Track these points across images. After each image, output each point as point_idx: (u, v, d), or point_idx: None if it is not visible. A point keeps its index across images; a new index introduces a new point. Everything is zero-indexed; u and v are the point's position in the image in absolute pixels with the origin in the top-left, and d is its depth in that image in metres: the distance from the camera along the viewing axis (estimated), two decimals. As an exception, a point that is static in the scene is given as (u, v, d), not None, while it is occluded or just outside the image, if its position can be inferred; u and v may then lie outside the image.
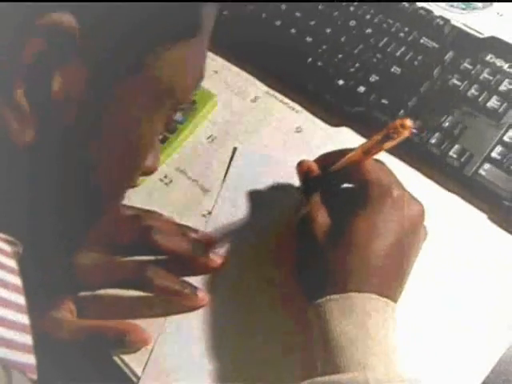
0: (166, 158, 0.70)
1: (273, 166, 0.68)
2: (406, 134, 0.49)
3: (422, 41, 0.74)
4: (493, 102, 0.67)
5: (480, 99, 0.68)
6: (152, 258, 0.60)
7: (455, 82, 0.70)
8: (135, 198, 0.67)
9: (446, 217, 0.62)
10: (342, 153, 0.58)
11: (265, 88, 0.77)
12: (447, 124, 0.67)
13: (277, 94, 0.76)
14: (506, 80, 0.68)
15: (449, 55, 0.72)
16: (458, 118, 0.67)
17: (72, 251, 0.57)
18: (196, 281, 0.60)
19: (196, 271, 0.60)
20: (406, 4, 0.77)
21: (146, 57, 0.39)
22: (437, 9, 0.79)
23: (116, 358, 0.58)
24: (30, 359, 0.37)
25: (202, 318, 0.58)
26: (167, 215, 0.64)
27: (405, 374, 0.48)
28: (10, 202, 0.40)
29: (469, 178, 0.64)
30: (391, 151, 0.64)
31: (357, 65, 0.73)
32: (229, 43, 0.79)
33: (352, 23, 0.77)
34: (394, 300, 0.51)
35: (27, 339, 0.38)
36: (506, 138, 0.65)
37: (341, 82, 0.72)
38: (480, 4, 0.81)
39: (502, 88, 0.68)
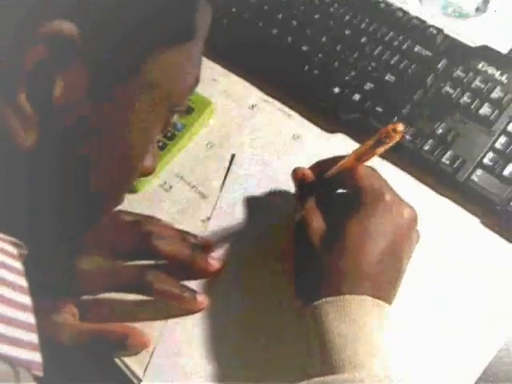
0: (166, 164, 0.71)
1: (270, 172, 0.69)
2: (397, 138, 0.50)
3: (415, 49, 0.75)
4: (485, 110, 0.68)
5: (472, 106, 0.69)
6: (152, 262, 0.61)
7: (448, 89, 0.71)
8: (135, 204, 0.68)
9: (439, 221, 0.62)
10: (336, 160, 0.59)
11: (262, 95, 0.77)
12: (440, 131, 0.68)
13: (274, 102, 0.77)
14: (498, 87, 0.70)
15: (442, 63, 0.73)
16: (451, 124, 0.68)
17: (73, 253, 0.58)
18: (195, 285, 0.60)
19: (195, 275, 0.61)
20: (400, 13, 0.79)
21: (144, 61, 0.40)
22: (430, 17, 0.80)
23: (117, 361, 0.58)
24: (36, 357, 0.38)
25: (201, 321, 0.59)
26: (167, 221, 0.64)
27: (399, 374, 0.48)
28: (14, 204, 0.41)
29: (461, 184, 0.65)
30: (386, 157, 0.65)
31: (352, 73, 0.74)
32: (227, 51, 0.81)
33: (347, 32, 0.78)
34: (388, 302, 0.52)
35: (33, 338, 0.39)
36: (497, 145, 0.66)
37: (336, 90, 0.74)
38: (472, 12, 0.82)
39: (494, 95, 0.69)
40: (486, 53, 0.74)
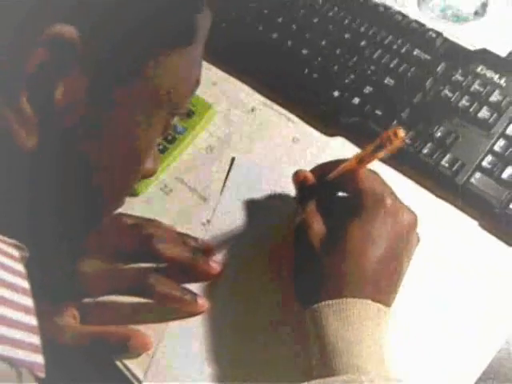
0: (166, 167, 0.72)
1: (270, 175, 0.69)
2: (398, 143, 0.50)
3: (414, 53, 0.75)
4: (483, 113, 0.69)
5: (471, 110, 0.69)
6: (153, 265, 0.61)
7: (447, 93, 0.71)
8: (136, 207, 0.68)
9: (438, 224, 0.63)
10: (337, 163, 0.59)
11: (262, 99, 0.78)
12: (439, 134, 0.68)
13: (274, 105, 0.77)
14: (497, 91, 0.70)
15: (441, 67, 0.74)
16: (450, 128, 0.69)
17: (74, 255, 0.58)
18: (196, 288, 0.61)
19: (196, 278, 0.61)
20: (399, 17, 0.79)
21: (145, 64, 0.40)
22: (429, 21, 0.80)
23: (118, 363, 0.58)
24: (38, 358, 0.39)
25: (202, 323, 0.59)
26: (167, 224, 0.64)
27: (398, 376, 0.49)
28: (15, 206, 0.41)
29: (460, 187, 0.65)
30: (385, 161, 0.65)
31: (351, 76, 0.75)
32: (227, 55, 0.81)
33: (347, 36, 0.79)
34: (388, 305, 0.52)
35: (36, 339, 0.39)
36: (496, 148, 0.66)
37: (336, 94, 0.74)
38: (471, 16, 0.83)
39: (493, 99, 0.69)
40: (485, 56, 0.74)
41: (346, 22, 0.80)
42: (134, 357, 0.58)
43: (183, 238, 0.63)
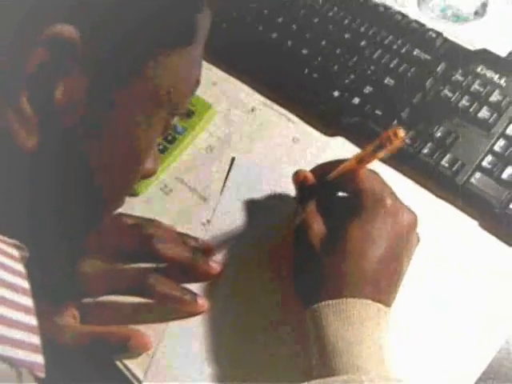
0: (166, 167, 0.72)
1: (270, 175, 0.69)
2: (398, 143, 0.50)
3: (414, 53, 0.75)
4: (483, 113, 0.69)
5: (471, 110, 0.69)
6: (153, 265, 0.61)
7: (447, 93, 0.71)
8: (136, 207, 0.68)
9: (438, 224, 0.63)
10: (337, 163, 0.59)
11: (262, 99, 0.78)
12: (439, 134, 0.68)
13: (274, 105, 0.77)
14: (496, 91, 0.70)
15: (441, 67, 0.74)
16: (450, 128, 0.69)
17: (74, 255, 0.58)
18: (196, 288, 0.61)
19: (196, 278, 0.61)
20: (399, 17, 0.79)
21: (145, 64, 0.40)
22: (429, 21, 0.80)
23: (118, 363, 0.58)
24: (38, 358, 0.39)
25: (202, 323, 0.59)
26: (167, 224, 0.64)
27: (398, 376, 0.49)
28: (15, 205, 0.41)
29: (460, 187, 0.65)
30: (385, 161, 0.65)
31: (351, 76, 0.75)
32: (227, 55, 0.81)
33: (347, 36, 0.79)
34: (388, 305, 0.52)
35: (36, 339, 0.39)
36: (496, 148, 0.66)
37: (336, 94, 0.74)
38: (471, 16, 0.83)
39: (493, 99, 0.70)
40: (485, 56, 0.74)
41: (346, 21, 0.80)
42: (134, 357, 0.58)
43: (183, 237, 0.63)
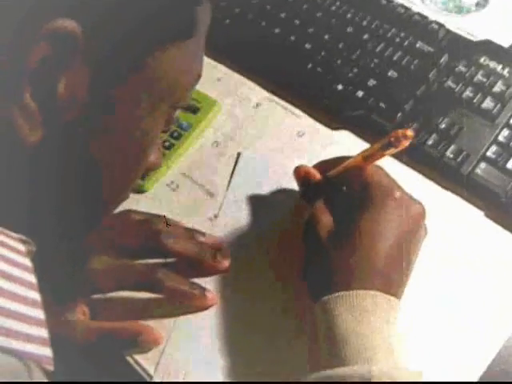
0: (173, 164, 0.72)
1: (276, 169, 0.70)
2: (406, 144, 0.51)
3: (417, 45, 0.76)
4: (487, 103, 0.69)
5: (475, 100, 0.70)
6: (162, 260, 0.61)
7: (450, 84, 0.71)
8: (144, 203, 0.69)
9: (444, 215, 0.63)
10: (340, 159, 0.60)
11: (266, 94, 0.78)
12: (443, 125, 0.68)
13: (278, 100, 0.77)
14: (500, 81, 0.70)
15: (444, 58, 0.74)
16: (454, 119, 0.69)
17: (80, 251, 0.58)
18: (205, 282, 0.61)
19: (204, 273, 0.62)
20: (401, 10, 0.79)
21: (146, 58, 0.41)
22: (431, 13, 0.81)
23: (129, 358, 0.59)
24: (46, 351, 0.39)
25: (211, 317, 0.59)
26: (175, 219, 0.65)
27: (408, 366, 0.49)
28: (19, 200, 0.41)
29: (466, 177, 0.65)
30: (390, 153, 0.65)
31: (355, 70, 0.75)
32: (230, 51, 0.82)
33: (349, 29, 0.79)
34: (397, 297, 0.53)
35: (43, 332, 0.39)
36: (500, 138, 0.67)
37: (340, 87, 0.74)
38: (473, 7, 0.83)
39: (496, 89, 0.70)
40: (488, 47, 0.74)
41: (349, 15, 0.80)
42: (144, 352, 0.59)
43: (191, 233, 0.63)
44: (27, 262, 0.40)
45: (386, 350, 0.49)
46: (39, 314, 0.39)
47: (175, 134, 0.73)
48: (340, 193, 0.60)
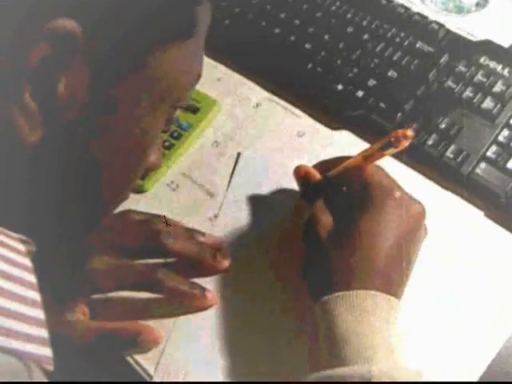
0: (173, 164, 0.72)
1: (276, 169, 0.70)
2: (406, 144, 0.51)
3: (417, 45, 0.76)
4: (487, 103, 0.69)
5: (475, 100, 0.70)
6: (162, 260, 0.61)
7: (450, 84, 0.71)
8: (144, 203, 0.69)
9: (443, 214, 0.63)
10: (340, 159, 0.60)
11: (266, 94, 0.78)
12: (443, 125, 0.68)
13: (278, 100, 0.77)
14: (500, 81, 0.70)
15: (444, 58, 0.74)
16: (454, 119, 0.69)
17: (81, 251, 0.58)
18: (205, 282, 0.61)
19: (204, 273, 0.62)
20: (401, 10, 0.79)
21: (146, 57, 0.41)
22: (431, 13, 0.81)
23: (129, 358, 0.59)
24: (46, 351, 0.39)
25: (211, 317, 0.59)
26: (175, 219, 0.65)
27: (408, 366, 0.49)
28: (18, 200, 0.41)
29: (465, 177, 0.65)
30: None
31: (355, 70, 0.75)
32: (230, 51, 0.82)
33: (349, 30, 0.79)
34: (397, 297, 0.53)
35: (43, 332, 0.39)
36: (500, 138, 0.67)
37: (340, 87, 0.74)
38: (473, 7, 0.83)
39: (496, 89, 0.70)
40: (488, 47, 0.74)
41: (349, 15, 0.80)
42: (144, 352, 0.59)
43: (191, 233, 0.63)
44: (27, 261, 0.40)
45: (386, 349, 0.49)
46: (39, 313, 0.39)
47: (175, 134, 0.73)
48: (340, 193, 0.60)
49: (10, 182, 0.41)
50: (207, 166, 0.72)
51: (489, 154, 0.66)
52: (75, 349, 0.56)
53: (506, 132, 0.67)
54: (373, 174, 0.56)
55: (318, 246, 0.56)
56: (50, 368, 0.39)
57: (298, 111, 0.76)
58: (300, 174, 0.63)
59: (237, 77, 0.81)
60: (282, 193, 0.68)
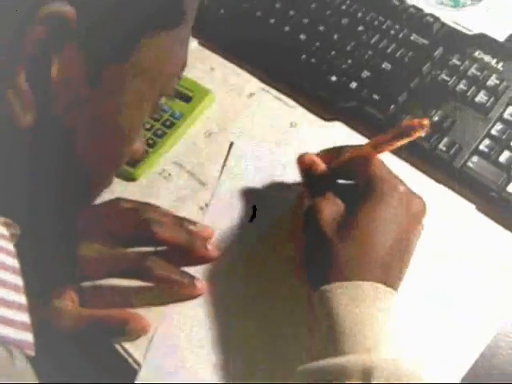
0: (165, 152, 0.72)
1: (268, 159, 0.70)
2: (421, 133, 0.52)
3: (412, 38, 0.76)
4: (481, 97, 0.69)
5: (468, 94, 0.70)
6: (151, 249, 0.61)
7: (444, 77, 0.71)
8: (134, 191, 0.68)
9: (435, 208, 0.62)
10: (344, 148, 0.60)
11: (260, 84, 0.78)
12: (437, 118, 0.68)
13: (271, 90, 0.77)
14: (494, 75, 0.70)
15: (438, 51, 0.74)
16: (447, 112, 0.69)
17: (69, 237, 0.58)
18: (195, 271, 0.61)
19: (194, 262, 0.62)
20: (396, 2, 0.79)
21: (135, 45, 0.41)
22: (426, 6, 0.80)
23: (117, 346, 0.58)
24: (28, 337, 0.39)
25: (200, 306, 0.59)
26: (166, 208, 0.65)
27: (407, 357, 0.49)
28: (9, 184, 0.42)
29: (458, 170, 0.65)
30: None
31: (349, 61, 0.75)
32: (225, 41, 0.82)
33: (344, 21, 0.79)
34: (395, 289, 0.53)
35: (25, 318, 0.39)
36: (493, 132, 0.67)
37: (334, 78, 0.74)
38: (469, 1, 0.83)
39: (490, 83, 0.70)
40: (482, 41, 0.74)
41: (344, 7, 0.80)
42: (132, 340, 0.58)
43: (181, 221, 0.63)
44: (10, 246, 0.40)
45: (385, 339, 0.49)
46: (21, 298, 0.39)
47: (167, 123, 0.73)
48: (343, 184, 0.60)
49: (5, 164, 0.41)
50: (199, 155, 0.72)
51: (481, 147, 0.66)
52: (63, 336, 0.56)
53: (498, 126, 0.67)
54: (378, 168, 0.56)
55: (319, 236, 0.55)
56: (32, 353, 0.39)
57: (291, 102, 0.76)
58: (304, 163, 0.62)
59: (230, 66, 0.81)
60: (274, 183, 0.68)
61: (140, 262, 0.59)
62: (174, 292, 0.60)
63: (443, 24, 0.77)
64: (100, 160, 0.47)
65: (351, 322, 0.49)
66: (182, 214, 0.65)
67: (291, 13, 0.81)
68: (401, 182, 0.56)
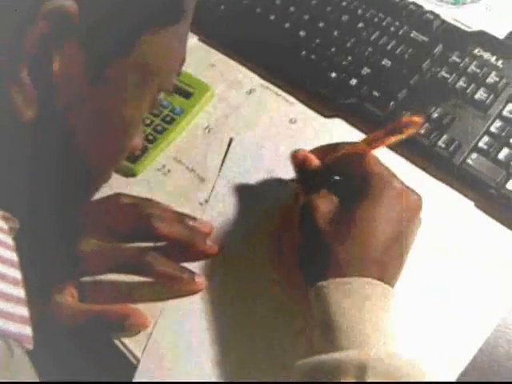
0: (164, 148, 0.72)
1: (267, 156, 0.70)
2: (413, 131, 0.52)
3: (412, 35, 0.76)
4: (480, 94, 0.69)
5: (468, 91, 0.70)
6: (151, 244, 0.61)
7: (444, 74, 0.71)
8: (134, 187, 0.68)
9: (434, 204, 0.62)
10: (338, 145, 0.60)
11: (260, 81, 0.78)
12: (436, 115, 0.69)
13: (271, 87, 0.77)
14: (493, 72, 0.70)
15: (438, 49, 0.74)
16: (447, 109, 0.69)
17: (70, 232, 0.58)
18: (195, 266, 0.61)
19: (194, 257, 0.62)
20: (396, -1, 0.79)
21: (134, 41, 0.41)
22: (426, 3, 0.81)
23: (116, 341, 0.59)
24: (27, 330, 0.39)
25: (199, 301, 0.59)
26: (165, 203, 0.64)
27: (404, 353, 0.49)
28: (8, 177, 0.42)
29: (457, 167, 0.66)
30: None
31: (349, 58, 0.75)
32: (225, 37, 0.82)
33: (344, 18, 0.79)
34: (392, 285, 0.53)
35: (23, 311, 0.39)
36: (492, 129, 0.67)
37: (333, 75, 0.74)
38: (469, -1, 0.83)
39: (489, 80, 0.70)
40: (482, 38, 0.75)
41: (344, 3, 0.80)
42: (132, 335, 0.59)
43: (181, 217, 0.63)
44: (9, 239, 0.40)
45: (381, 336, 0.49)
46: (20, 292, 0.39)
47: (167, 119, 0.73)
48: (338, 180, 0.60)
49: (6, 158, 0.41)
50: (199, 151, 0.72)
51: (481, 144, 0.66)
52: (63, 330, 0.56)
53: (498, 123, 0.67)
54: (373, 164, 0.56)
55: (314, 233, 0.55)
56: (30, 347, 0.39)
57: (290, 98, 0.76)
58: (297, 159, 0.62)
59: (230, 63, 0.81)
60: (273, 179, 0.68)
61: (140, 257, 0.59)
62: (173, 287, 0.60)
63: (443, 21, 0.77)
64: (100, 155, 0.47)
65: (348, 318, 0.49)
66: (181, 209, 0.64)
67: (291, 9, 0.81)
68: (396, 177, 0.56)
